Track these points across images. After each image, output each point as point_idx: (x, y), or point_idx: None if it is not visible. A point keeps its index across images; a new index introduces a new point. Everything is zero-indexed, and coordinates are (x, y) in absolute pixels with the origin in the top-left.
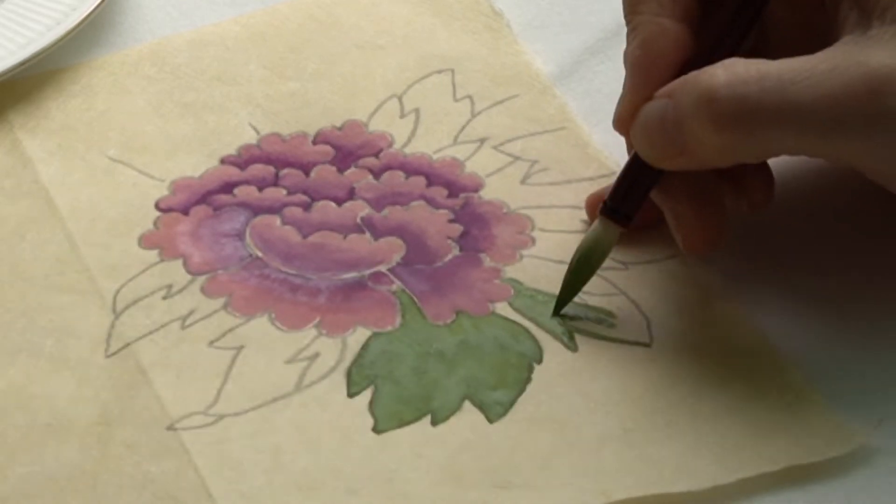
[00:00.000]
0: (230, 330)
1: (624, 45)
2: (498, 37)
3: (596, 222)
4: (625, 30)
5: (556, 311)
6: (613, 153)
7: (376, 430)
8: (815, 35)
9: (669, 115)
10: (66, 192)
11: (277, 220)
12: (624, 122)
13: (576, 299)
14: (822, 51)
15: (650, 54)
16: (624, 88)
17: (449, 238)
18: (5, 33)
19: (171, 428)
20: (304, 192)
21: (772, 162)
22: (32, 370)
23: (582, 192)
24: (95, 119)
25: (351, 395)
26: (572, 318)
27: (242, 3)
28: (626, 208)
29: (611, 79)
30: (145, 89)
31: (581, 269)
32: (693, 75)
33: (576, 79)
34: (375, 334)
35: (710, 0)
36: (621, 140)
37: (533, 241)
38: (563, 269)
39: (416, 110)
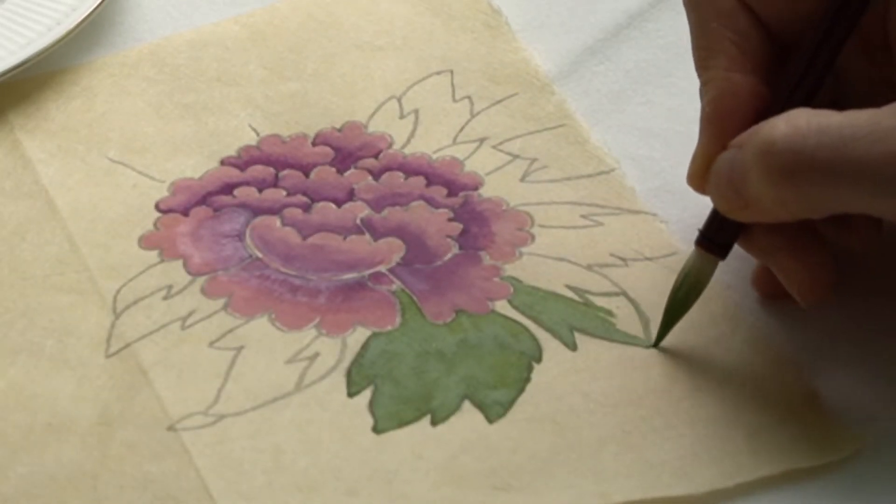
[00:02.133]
0: (230, 330)
1: (622, 46)
2: (496, 35)
3: (692, 253)
4: (624, 30)
5: (657, 343)
6: (612, 150)
7: (376, 430)
8: (893, 88)
9: (737, 165)
10: (67, 193)
11: (277, 221)
12: (696, 177)
13: (578, 298)
14: (889, 105)
15: (722, 110)
16: (698, 143)
17: (448, 237)
18: (5, 34)
19: (171, 428)
20: (304, 194)
21: None
22: (33, 370)
23: (581, 189)
24: (95, 120)
25: (351, 394)
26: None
27: (242, 3)
28: (722, 238)
29: (609, 79)
30: (145, 90)
31: (678, 301)
32: (758, 126)
33: (574, 79)
34: (375, 334)
35: (781, 48)
36: (622, 138)
37: (532, 237)
38: (562, 266)
39: (416, 111)
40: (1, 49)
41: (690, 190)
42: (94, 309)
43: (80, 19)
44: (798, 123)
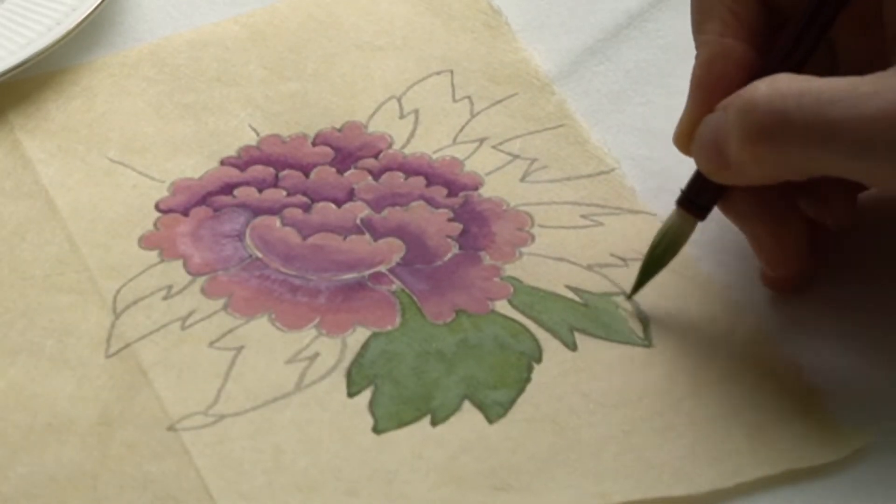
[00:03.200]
0: (230, 330)
1: (622, 46)
2: (496, 35)
3: (672, 212)
4: (624, 30)
5: (631, 295)
6: (612, 150)
7: (376, 430)
8: (883, 61)
9: (720, 127)
10: (67, 193)
11: (277, 222)
12: (682, 137)
13: (578, 299)
14: (871, 74)
15: (712, 73)
16: (686, 105)
17: (448, 237)
18: (5, 34)
19: (171, 428)
20: (304, 194)
21: None
22: (33, 370)
23: (581, 189)
24: (95, 120)
25: (351, 394)
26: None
27: (242, 3)
28: (703, 200)
29: (609, 79)
30: (145, 90)
31: (656, 258)
32: (742, 89)
33: (574, 79)
34: (375, 334)
35: (776, 17)
36: (621, 138)
37: (532, 237)
38: (562, 266)
39: (416, 111)
40: (1, 49)
41: None
42: (94, 309)
43: (80, 19)
44: (779, 86)
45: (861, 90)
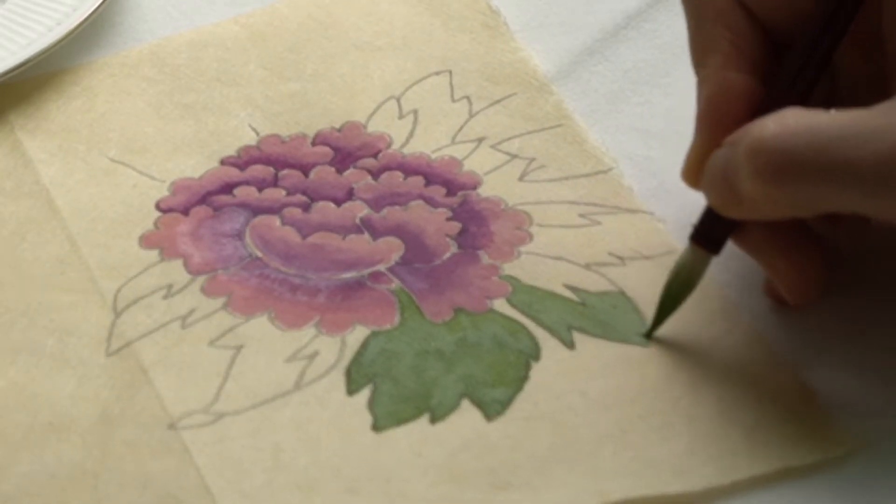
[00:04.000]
0: (230, 329)
1: (620, 46)
2: (495, 35)
3: (686, 248)
4: (622, 31)
5: (648, 335)
6: (611, 149)
7: (376, 428)
8: (882, 81)
9: (730, 163)
10: (67, 193)
11: (277, 221)
12: (691, 172)
13: (575, 298)
14: (877, 105)
15: (717, 108)
16: (693, 140)
17: (447, 236)
18: (6, 34)
19: (171, 427)
20: (304, 193)
21: None
22: (33, 369)
23: (580, 188)
24: (96, 120)
25: (350, 392)
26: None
27: (242, 3)
28: (715, 234)
29: (608, 79)
30: (145, 91)
31: (672, 295)
32: (749, 125)
33: (573, 79)
34: (374, 333)
35: (779, 46)
36: (619, 138)
37: (531, 236)
38: (560, 265)
39: (415, 111)
40: (1, 49)
41: (688, 189)
42: (94, 308)
43: (80, 20)
44: (787, 122)
45: (871, 125)
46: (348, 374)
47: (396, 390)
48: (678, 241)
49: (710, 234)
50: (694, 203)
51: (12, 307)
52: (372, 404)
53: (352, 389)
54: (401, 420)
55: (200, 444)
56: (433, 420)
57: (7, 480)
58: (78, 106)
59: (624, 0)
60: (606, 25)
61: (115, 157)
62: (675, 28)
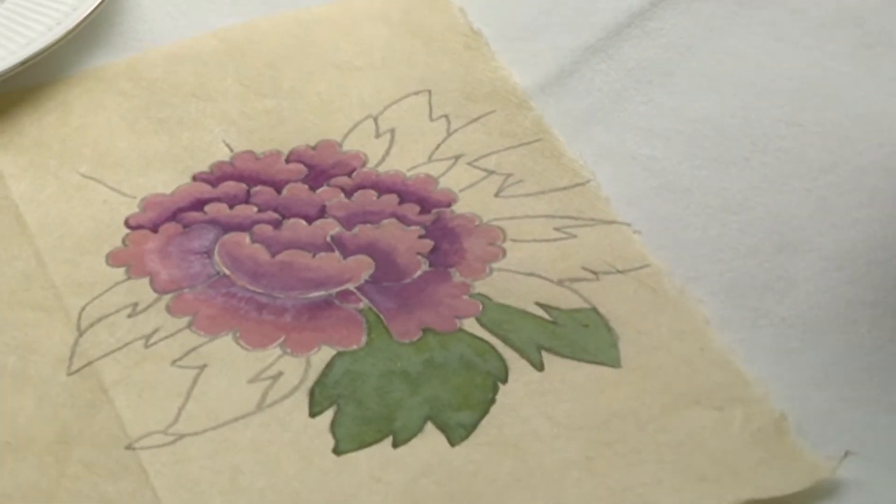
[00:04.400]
0: (194, 349)
1: (624, 45)
2: (476, 55)
3: None
4: (626, 29)
5: None
6: (614, 148)
7: (336, 451)
8: None
9: None
10: (37, 209)
11: (247, 238)
12: None
13: (547, 317)
14: None
15: None
16: None
17: (419, 254)
18: (5, 34)
19: (129, 447)
20: (276, 210)
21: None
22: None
23: (556, 202)
24: (69, 135)
25: (313, 414)
26: None
27: (243, 2)
28: None
29: (611, 78)
30: (121, 105)
31: None
32: None
33: (576, 77)
34: (340, 353)
35: None
36: (622, 136)
37: (504, 252)
38: (533, 281)
39: (392, 130)
40: (1, 49)
41: (692, 188)
42: (58, 326)
43: (80, 19)
44: None
45: None
46: (311, 395)
47: (360, 412)
48: (656, 253)
49: None
50: (697, 203)
51: None
52: (334, 426)
53: (314, 411)
54: (363, 443)
55: (158, 465)
56: (395, 444)
57: None
58: (52, 121)
59: None
60: (610, 24)
61: (87, 173)
62: (678, 26)
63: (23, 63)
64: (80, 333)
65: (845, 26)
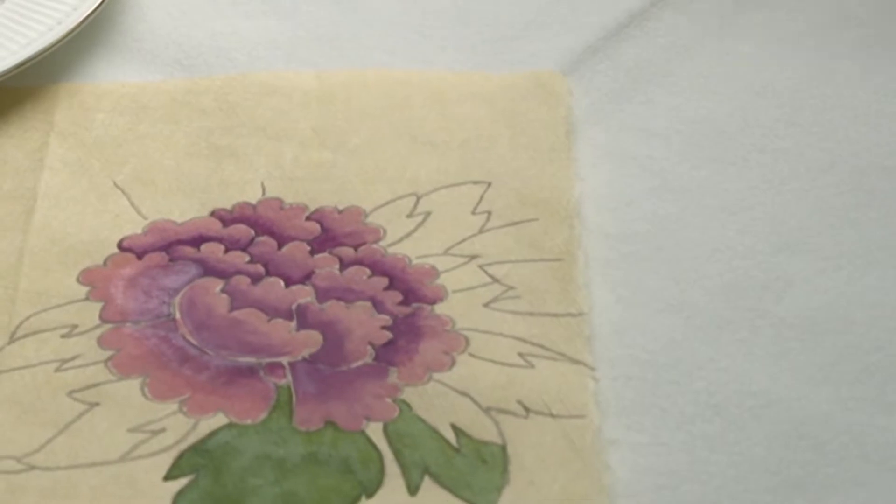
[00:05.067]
0: (96, 385)
1: (623, 45)
2: (555, 158)
3: None
4: (625, 29)
5: None
6: (612, 149)
7: None
8: None
9: None
10: (51, 207)
11: (218, 286)
12: None
13: (454, 442)
14: None
15: None
16: None
17: (370, 344)
18: (6, 33)
19: None
20: (265, 264)
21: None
22: None
23: (537, 327)
24: (127, 141)
25: (167, 478)
26: None
27: (244, 3)
28: None
29: (611, 77)
30: (191, 122)
31: None
32: None
33: (575, 77)
34: (231, 425)
35: None
36: (621, 137)
37: (452, 363)
38: (461, 402)
39: (427, 213)
40: (1, 49)
41: (691, 188)
42: None
43: (80, 19)
44: None
45: None
46: (178, 458)
47: (212, 488)
48: (605, 392)
49: None
50: (696, 203)
51: None
52: (179, 496)
53: (171, 475)
54: None
55: None
56: None
57: None
58: (121, 123)
59: None
60: (609, 24)
61: (120, 183)
62: (678, 26)
63: (23, 63)
64: (10, 341)
65: (845, 26)
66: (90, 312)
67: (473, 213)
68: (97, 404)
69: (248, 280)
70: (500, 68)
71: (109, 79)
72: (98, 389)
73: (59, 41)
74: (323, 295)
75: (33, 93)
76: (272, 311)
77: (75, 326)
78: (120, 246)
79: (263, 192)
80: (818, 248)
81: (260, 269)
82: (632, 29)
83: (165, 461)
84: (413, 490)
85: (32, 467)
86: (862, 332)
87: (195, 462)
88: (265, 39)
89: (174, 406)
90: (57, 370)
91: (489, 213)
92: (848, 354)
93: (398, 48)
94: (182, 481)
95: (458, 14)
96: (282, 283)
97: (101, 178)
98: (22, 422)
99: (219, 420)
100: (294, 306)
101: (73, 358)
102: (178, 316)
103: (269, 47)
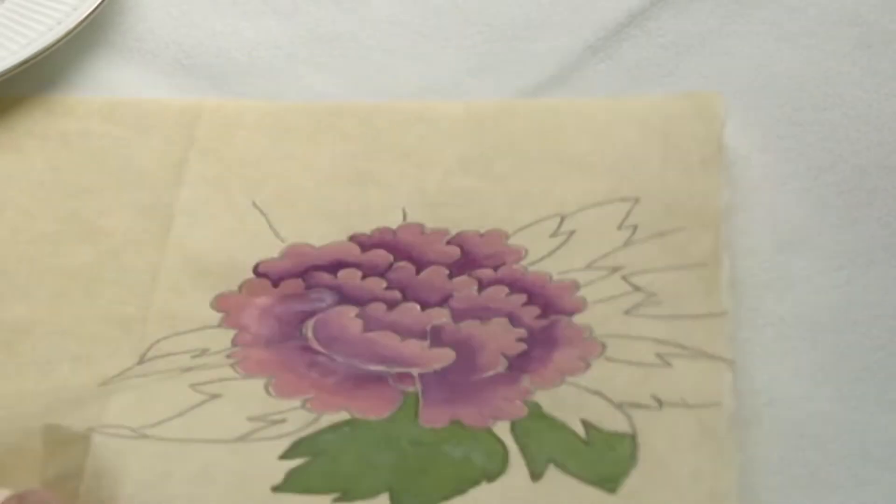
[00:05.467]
0: (221, 380)
1: (623, 44)
2: (707, 171)
3: None
4: (625, 28)
5: None
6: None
7: (277, 487)
8: None
9: None
10: (188, 224)
11: (353, 312)
12: None
13: (583, 434)
14: None
15: None
16: None
17: (503, 355)
18: (6, 33)
19: (91, 429)
20: (402, 289)
21: None
22: (31, 387)
23: (676, 329)
24: (270, 161)
25: (282, 457)
26: None
27: (244, 3)
28: None
29: (611, 77)
30: (335, 146)
31: None
32: None
33: (576, 77)
34: (352, 420)
35: None
36: None
37: (587, 367)
38: (593, 400)
39: (572, 232)
40: (1, 49)
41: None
42: (125, 350)
43: (80, 19)
44: None
45: None
46: (297, 442)
47: (329, 467)
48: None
49: None
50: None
51: (57, 320)
52: (293, 471)
53: (287, 455)
54: (307, 489)
55: (103, 449)
56: (337, 500)
57: None
58: (264, 143)
59: None
60: (609, 23)
61: (259, 204)
62: (678, 26)
63: (23, 63)
64: (141, 362)
65: (845, 26)
66: (222, 339)
67: (619, 228)
68: (219, 395)
69: (383, 307)
70: (500, 68)
71: (109, 79)
72: (222, 384)
73: (59, 41)
74: (459, 316)
75: (178, 106)
76: (406, 332)
77: (206, 350)
78: (255, 271)
79: (404, 218)
80: (819, 248)
81: (397, 294)
82: (632, 29)
83: (282, 444)
84: (536, 477)
85: (146, 436)
86: (863, 332)
87: (312, 448)
88: (265, 39)
89: (296, 403)
90: (183, 370)
91: (635, 226)
92: (849, 353)
93: (398, 48)
94: (297, 461)
95: (458, 14)
96: (417, 307)
97: (239, 197)
98: (141, 402)
99: (341, 416)
100: (428, 327)
101: (202, 363)
102: (309, 335)
103: (269, 47)
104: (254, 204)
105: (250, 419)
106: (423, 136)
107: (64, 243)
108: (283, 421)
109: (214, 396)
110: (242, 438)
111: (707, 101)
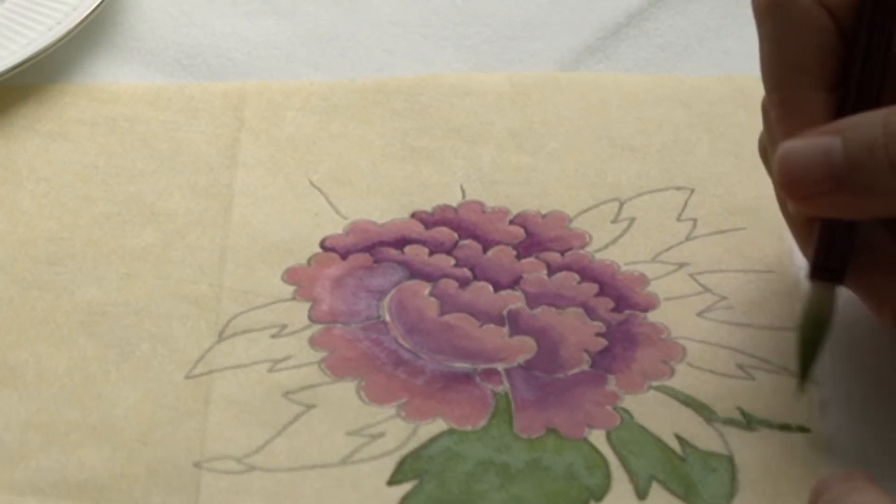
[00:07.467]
0: (311, 386)
1: (621, 45)
2: (759, 166)
3: (808, 289)
4: (623, 29)
5: (801, 385)
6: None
7: None
8: None
9: (837, 151)
10: (249, 204)
11: (427, 289)
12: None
13: (679, 451)
14: None
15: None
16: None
17: (585, 351)
18: (6, 33)
19: (197, 465)
20: (471, 268)
21: None
22: (112, 370)
23: (754, 340)
24: (322, 140)
25: (391, 482)
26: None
27: (244, 3)
28: (834, 263)
29: None
30: (385, 123)
31: (810, 341)
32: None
33: None
34: (451, 430)
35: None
36: None
37: (672, 373)
38: (683, 412)
39: (632, 219)
40: (1, 49)
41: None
42: (203, 327)
43: (80, 19)
44: None
45: None
46: (400, 463)
47: (438, 493)
48: (820, 406)
49: (828, 265)
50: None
51: (130, 302)
52: (405, 500)
53: (394, 479)
54: None
55: (213, 491)
56: None
57: (24, 469)
58: (313, 122)
59: None
60: (607, 24)
61: (316, 182)
62: (676, 27)
63: (23, 63)
64: (220, 340)
65: None
66: (298, 312)
67: (679, 219)
68: (314, 406)
69: (455, 284)
70: (500, 68)
71: (110, 79)
72: (314, 391)
73: (59, 41)
74: (533, 300)
75: (220, 90)
76: (483, 317)
77: (284, 326)
78: (322, 245)
79: (463, 195)
80: None
81: (467, 272)
82: (630, 29)
83: (388, 465)
84: (642, 495)
85: (253, 468)
86: (863, 332)
87: (418, 467)
88: (265, 39)
89: (392, 410)
90: (270, 370)
91: (695, 220)
92: (849, 354)
93: (398, 48)
94: (406, 486)
95: (458, 14)
96: (490, 287)
97: (296, 177)
98: (240, 421)
99: (438, 426)
100: (505, 312)
101: (286, 358)
102: (387, 318)
103: (269, 47)
104: (311, 183)
105: (349, 434)
106: (470, 110)
107: (127, 226)
108: (381, 435)
109: (309, 407)
110: (345, 461)
111: (746, 86)
